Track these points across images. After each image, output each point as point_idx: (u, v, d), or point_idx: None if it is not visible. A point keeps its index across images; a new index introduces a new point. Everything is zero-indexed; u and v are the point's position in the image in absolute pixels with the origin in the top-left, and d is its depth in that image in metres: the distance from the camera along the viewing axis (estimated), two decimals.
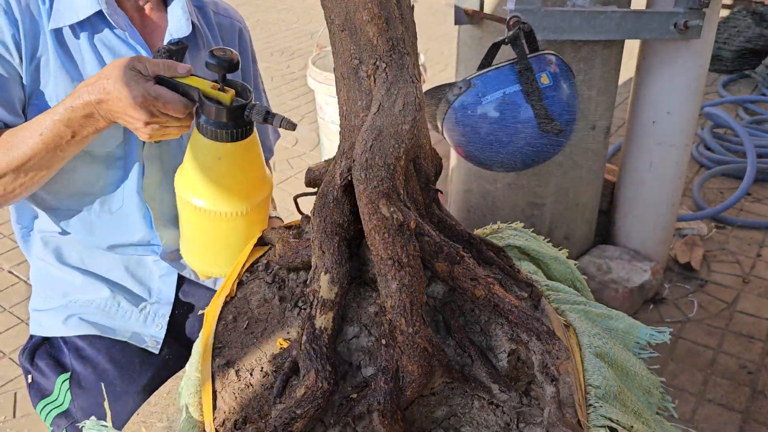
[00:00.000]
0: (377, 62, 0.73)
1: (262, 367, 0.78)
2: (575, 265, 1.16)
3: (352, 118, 0.76)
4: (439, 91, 1.99)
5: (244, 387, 0.76)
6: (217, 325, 0.83)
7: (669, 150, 2.33)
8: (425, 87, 2.09)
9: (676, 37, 2.05)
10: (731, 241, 2.80)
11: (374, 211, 0.71)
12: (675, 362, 2.18)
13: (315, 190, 0.85)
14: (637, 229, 2.48)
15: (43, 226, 1.30)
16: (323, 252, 0.75)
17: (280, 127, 0.95)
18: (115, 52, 1.15)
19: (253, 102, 0.96)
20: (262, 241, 0.97)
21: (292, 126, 0.94)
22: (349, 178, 0.74)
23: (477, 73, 1.85)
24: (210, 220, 1.01)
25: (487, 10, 2.17)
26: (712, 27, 2.15)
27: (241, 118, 0.94)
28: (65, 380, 1.23)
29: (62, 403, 1.22)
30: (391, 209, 0.71)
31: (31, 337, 1.32)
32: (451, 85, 1.95)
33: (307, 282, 0.78)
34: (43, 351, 1.31)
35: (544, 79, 1.84)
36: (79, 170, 1.19)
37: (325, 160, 0.84)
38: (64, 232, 1.29)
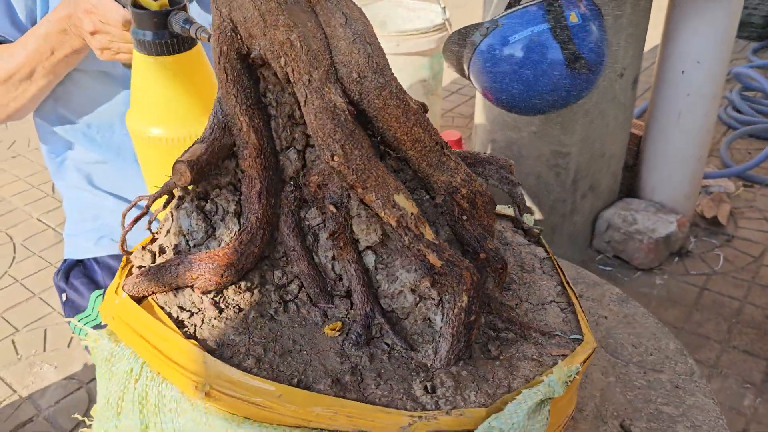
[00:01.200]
0: None
1: None
2: None
3: (311, 44, 0.65)
4: (466, 33, 1.98)
5: None
6: None
7: (698, 101, 2.30)
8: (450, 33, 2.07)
9: None
10: (759, 199, 2.76)
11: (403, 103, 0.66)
12: (700, 312, 2.16)
13: None
14: (663, 182, 2.46)
15: (76, 155, 1.33)
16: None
17: (195, 36, 0.85)
18: None
19: (180, 7, 0.86)
20: None
21: (206, 36, 0.83)
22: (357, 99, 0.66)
23: (504, 13, 1.83)
24: (169, 151, 0.89)
25: None
26: None
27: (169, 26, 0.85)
28: (99, 296, 1.26)
29: (96, 317, 1.25)
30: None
31: (65, 260, 1.36)
32: (477, 25, 1.93)
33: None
34: (77, 271, 1.34)
35: (573, 18, 1.82)
36: (98, 91, 1.21)
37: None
38: (95, 159, 1.31)
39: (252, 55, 0.65)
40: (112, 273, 1.29)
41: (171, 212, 0.72)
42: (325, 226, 0.68)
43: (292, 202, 0.69)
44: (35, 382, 2.00)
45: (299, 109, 0.68)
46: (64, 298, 1.33)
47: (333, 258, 0.69)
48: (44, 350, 2.12)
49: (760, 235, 2.53)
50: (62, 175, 1.37)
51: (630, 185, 2.59)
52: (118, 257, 1.30)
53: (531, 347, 0.67)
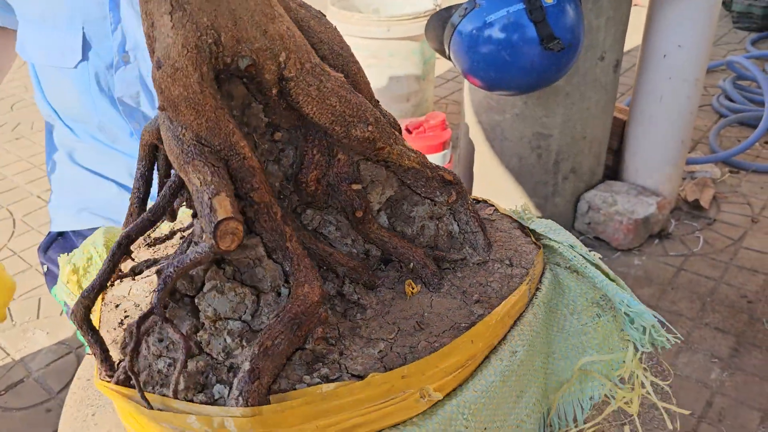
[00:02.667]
0: None
1: None
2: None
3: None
4: (445, 13, 2.03)
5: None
6: None
7: (680, 84, 2.33)
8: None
9: None
10: (744, 184, 2.79)
11: None
12: (675, 291, 2.20)
13: None
14: (646, 165, 2.50)
15: (58, 132, 1.39)
16: None
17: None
18: None
19: None
20: None
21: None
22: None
23: None
24: None
25: None
26: None
27: None
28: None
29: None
30: None
31: (49, 233, 1.42)
32: (456, 6, 1.98)
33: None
34: (56, 245, 1.40)
35: None
36: (55, 82, 1.26)
37: None
38: (74, 139, 1.38)
39: (243, 65, 0.58)
40: None
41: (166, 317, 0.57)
42: (325, 220, 0.69)
43: (290, 212, 0.68)
44: (27, 347, 2.08)
45: (265, 116, 0.65)
46: (45, 269, 1.40)
47: (353, 240, 0.70)
48: (37, 317, 2.20)
49: (742, 219, 2.56)
50: (49, 149, 1.44)
51: (615, 169, 2.63)
52: (93, 229, 1.36)
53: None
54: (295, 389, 0.56)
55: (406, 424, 0.57)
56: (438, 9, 2.94)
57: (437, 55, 2.38)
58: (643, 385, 0.67)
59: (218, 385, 0.57)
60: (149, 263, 0.73)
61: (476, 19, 1.92)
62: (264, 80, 0.60)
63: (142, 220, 0.62)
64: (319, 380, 0.56)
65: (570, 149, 2.38)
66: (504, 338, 0.65)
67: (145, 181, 0.69)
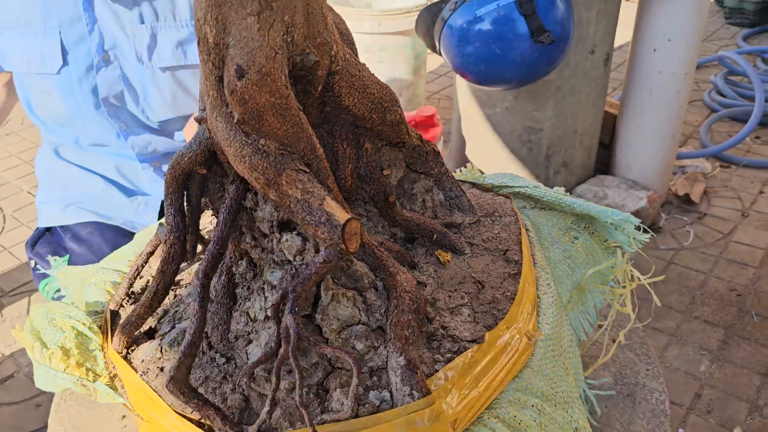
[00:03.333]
0: None
1: None
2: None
3: None
4: (435, 8, 2.03)
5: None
6: None
7: (670, 78, 2.34)
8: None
9: None
10: (735, 179, 2.80)
11: None
12: (665, 284, 2.21)
13: None
14: (637, 159, 2.50)
15: (44, 132, 1.39)
16: None
17: None
18: None
19: None
20: None
21: None
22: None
23: None
24: None
25: None
26: None
27: None
28: (62, 263, 1.32)
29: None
30: None
31: (37, 229, 1.42)
32: (446, 1, 1.98)
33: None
34: (44, 240, 1.40)
35: None
36: (39, 90, 1.26)
37: None
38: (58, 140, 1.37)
39: (310, 63, 0.56)
40: (76, 238, 1.34)
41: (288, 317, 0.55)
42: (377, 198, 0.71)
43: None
44: (17, 342, 2.07)
45: None
46: (33, 265, 1.39)
47: (382, 227, 0.73)
48: (27, 313, 2.19)
49: (732, 213, 2.57)
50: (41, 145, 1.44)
51: (606, 163, 2.64)
52: (83, 224, 1.35)
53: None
54: (437, 370, 0.57)
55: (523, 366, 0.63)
56: (429, 3, 2.94)
57: (429, 50, 2.38)
58: (632, 278, 0.78)
59: (372, 392, 0.56)
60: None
61: (466, 13, 1.92)
62: (316, 77, 0.57)
63: (212, 255, 0.59)
64: (450, 355, 0.59)
65: (561, 143, 2.38)
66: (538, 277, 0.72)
67: (182, 215, 0.63)
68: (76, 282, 0.81)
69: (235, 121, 0.54)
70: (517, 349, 0.62)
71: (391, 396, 0.55)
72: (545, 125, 2.34)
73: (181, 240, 0.63)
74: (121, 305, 0.74)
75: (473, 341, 0.60)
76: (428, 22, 2.05)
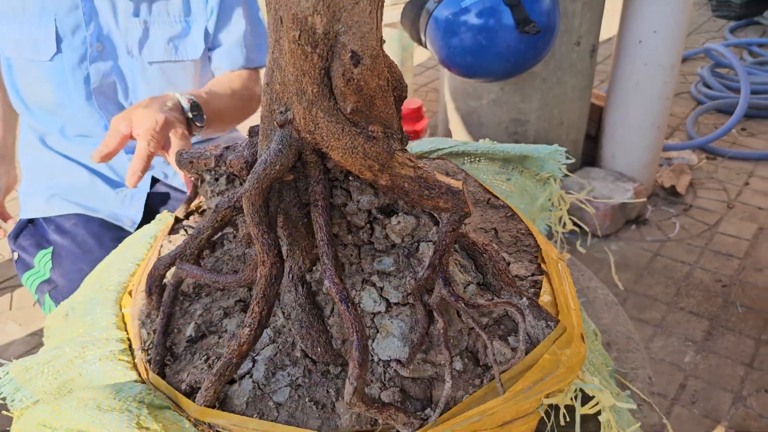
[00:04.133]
0: None
1: None
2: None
3: None
4: (420, 0, 2.02)
5: None
6: None
7: (655, 70, 2.34)
8: None
9: None
10: (720, 171, 2.81)
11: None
12: (651, 275, 2.22)
13: None
14: (623, 151, 2.50)
15: (28, 120, 1.37)
16: None
17: None
18: None
19: None
20: None
21: None
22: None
23: None
24: None
25: None
26: None
27: None
28: (44, 254, 1.30)
29: (44, 273, 1.29)
30: None
31: (20, 220, 1.40)
32: None
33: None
34: (27, 232, 1.38)
35: None
36: (29, 76, 1.24)
37: None
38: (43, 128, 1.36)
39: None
40: (60, 230, 1.32)
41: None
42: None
43: None
44: (0, 338, 2.05)
45: None
46: (15, 257, 1.38)
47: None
48: (10, 309, 2.17)
49: (717, 205, 2.58)
50: (21, 135, 1.42)
51: (592, 155, 2.64)
52: (67, 216, 1.33)
53: None
54: None
55: None
56: None
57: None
58: (563, 200, 0.91)
59: (510, 337, 0.63)
60: None
61: (452, 5, 1.91)
62: None
63: (332, 263, 0.58)
64: (534, 290, 0.71)
65: (547, 135, 2.38)
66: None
67: (273, 231, 0.59)
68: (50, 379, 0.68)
69: (349, 111, 0.53)
70: (565, 271, 0.72)
71: (529, 335, 0.61)
72: (531, 117, 2.33)
73: (280, 258, 0.59)
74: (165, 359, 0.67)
75: (532, 275, 0.68)
76: (413, 15, 2.04)
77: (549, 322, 0.61)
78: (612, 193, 2.39)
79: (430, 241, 0.62)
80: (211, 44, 1.35)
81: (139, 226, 1.36)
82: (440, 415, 0.57)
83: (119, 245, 0.93)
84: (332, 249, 0.57)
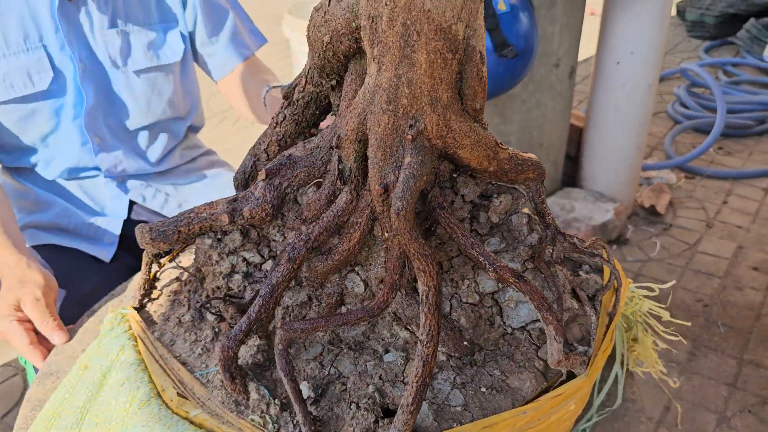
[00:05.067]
0: None
1: None
2: None
3: None
4: None
5: None
6: None
7: (633, 91, 2.36)
8: None
9: None
10: (699, 189, 2.83)
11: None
12: None
13: None
14: (603, 171, 2.52)
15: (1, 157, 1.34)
16: None
17: None
18: None
19: None
20: None
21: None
22: None
23: None
24: None
25: None
26: None
27: None
28: None
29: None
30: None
31: None
32: None
33: None
34: None
35: (501, 6, 1.86)
36: (21, 116, 1.22)
37: None
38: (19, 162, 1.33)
39: None
40: None
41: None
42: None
43: None
44: None
45: None
46: None
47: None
48: None
49: (697, 224, 2.60)
50: None
51: (572, 176, 2.65)
52: (41, 247, 1.30)
53: None
54: None
55: None
56: None
57: None
58: None
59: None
60: None
61: None
62: None
63: (495, 262, 0.65)
64: None
65: None
66: None
67: (432, 257, 0.64)
68: None
69: (478, 108, 0.60)
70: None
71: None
72: (511, 138, 2.33)
73: (440, 267, 0.67)
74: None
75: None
76: None
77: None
78: (592, 214, 2.39)
79: (517, 212, 0.68)
80: (202, 48, 1.35)
81: (114, 256, 1.34)
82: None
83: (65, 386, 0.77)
84: (476, 239, 0.63)
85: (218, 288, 0.71)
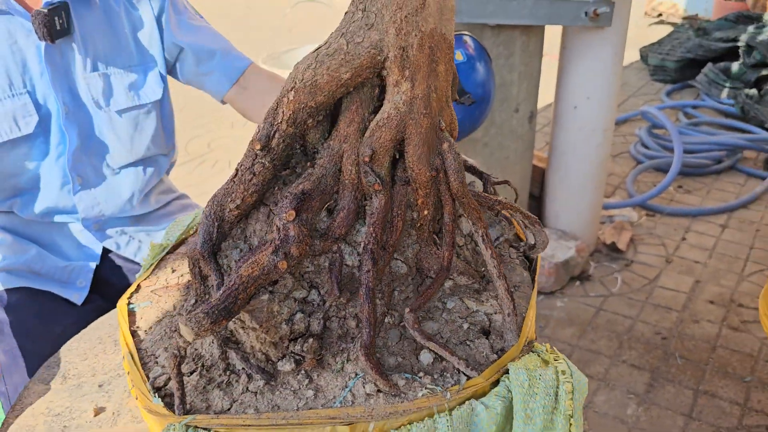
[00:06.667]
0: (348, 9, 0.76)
1: None
2: None
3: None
4: None
5: None
6: None
7: (590, 134, 2.48)
8: None
9: (588, 24, 2.21)
10: (659, 227, 2.94)
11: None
12: (594, 330, 2.29)
13: None
14: (565, 210, 2.62)
15: None
16: None
17: None
18: None
19: None
20: None
21: None
22: None
23: None
24: None
25: None
26: (624, 18, 2.31)
27: None
28: None
29: None
30: (261, 125, 0.77)
31: None
32: None
33: None
34: None
35: (459, 57, 1.97)
36: (5, 157, 1.26)
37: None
38: None
39: None
40: (2, 305, 1.31)
41: None
42: None
43: None
44: None
45: None
46: None
47: None
48: None
49: (657, 260, 2.69)
50: None
51: (537, 214, 2.75)
52: (13, 290, 1.32)
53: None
54: None
55: None
56: None
57: None
58: None
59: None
60: None
61: None
62: None
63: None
64: None
65: None
66: None
67: None
68: None
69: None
70: None
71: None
72: (475, 180, 2.43)
73: None
74: None
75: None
76: None
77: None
78: (555, 251, 2.48)
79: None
80: (197, 79, 1.43)
81: (87, 298, 1.38)
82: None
83: None
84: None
85: (282, 338, 0.69)
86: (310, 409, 0.64)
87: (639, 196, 3.06)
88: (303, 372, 0.68)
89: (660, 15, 6.70)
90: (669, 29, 5.98)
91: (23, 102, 1.23)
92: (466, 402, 0.64)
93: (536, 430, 0.65)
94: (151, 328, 0.80)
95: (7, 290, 1.34)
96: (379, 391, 0.66)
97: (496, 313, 0.77)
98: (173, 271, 0.93)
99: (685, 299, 2.44)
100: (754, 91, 4.00)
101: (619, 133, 3.94)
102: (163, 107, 1.41)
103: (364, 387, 0.66)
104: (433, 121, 0.73)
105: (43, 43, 1.21)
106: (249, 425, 0.62)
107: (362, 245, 0.72)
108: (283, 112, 0.73)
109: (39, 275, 1.36)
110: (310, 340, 0.69)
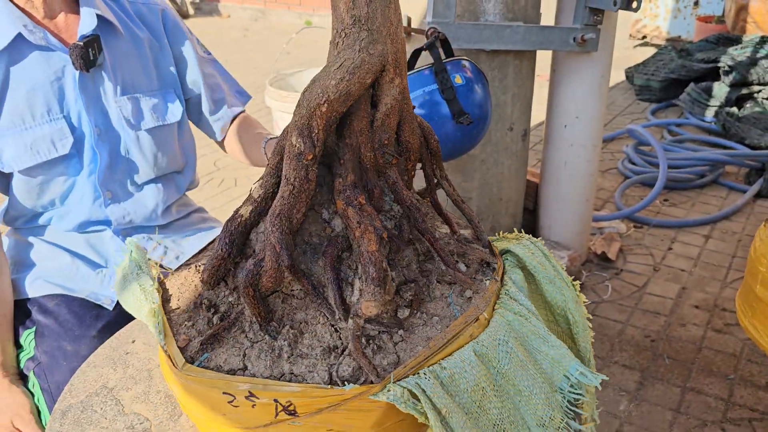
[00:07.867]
0: (339, 33, 0.88)
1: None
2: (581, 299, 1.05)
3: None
4: None
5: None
6: None
7: (580, 150, 2.64)
8: None
9: (576, 49, 2.38)
10: (647, 238, 3.10)
11: (287, 138, 0.88)
12: None
13: None
14: (557, 222, 2.77)
15: (12, 213, 1.52)
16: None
17: None
18: (30, 68, 1.32)
19: None
20: None
21: None
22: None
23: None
24: None
25: (414, 26, 2.49)
26: (610, 42, 2.49)
27: None
28: (29, 334, 1.41)
29: (29, 351, 1.39)
30: (298, 140, 0.85)
31: None
32: None
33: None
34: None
35: (458, 80, 2.15)
36: (44, 176, 1.40)
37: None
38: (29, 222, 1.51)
39: None
40: (42, 310, 1.43)
41: None
42: None
43: None
44: None
45: None
46: None
47: None
48: None
49: (645, 268, 2.85)
50: (5, 221, 1.56)
51: (531, 227, 2.90)
52: (49, 297, 1.44)
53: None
54: None
55: None
56: None
57: None
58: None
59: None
60: None
61: None
62: None
63: None
64: None
65: (489, 210, 2.63)
66: None
67: None
68: None
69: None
70: None
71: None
72: (473, 194, 2.59)
73: None
74: None
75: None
76: None
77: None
78: None
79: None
80: (207, 110, 1.59)
81: (117, 304, 1.49)
82: None
83: None
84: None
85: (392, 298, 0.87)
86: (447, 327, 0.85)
87: (627, 209, 3.22)
88: (417, 311, 0.89)
89: (644, 37, 6.95)
90: (653, 51, 6.21)
91: (60, 126, 1.37)
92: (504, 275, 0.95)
93: (549, 270, 0.97)
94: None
95: (45, 297, 1.46)
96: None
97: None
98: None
99: (672, 304, 2.60)
100: (734, 110, 4.20)
101: (607, 150, 4.12)
102: (180, 128, 1.55)
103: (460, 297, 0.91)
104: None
105: (77, 72, 1.34)
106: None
107: (404, 205, 0.92)
108: (317, 123, 0.83)
109: (73, 282, 1.48)
110: (411, 285, 0.89)
